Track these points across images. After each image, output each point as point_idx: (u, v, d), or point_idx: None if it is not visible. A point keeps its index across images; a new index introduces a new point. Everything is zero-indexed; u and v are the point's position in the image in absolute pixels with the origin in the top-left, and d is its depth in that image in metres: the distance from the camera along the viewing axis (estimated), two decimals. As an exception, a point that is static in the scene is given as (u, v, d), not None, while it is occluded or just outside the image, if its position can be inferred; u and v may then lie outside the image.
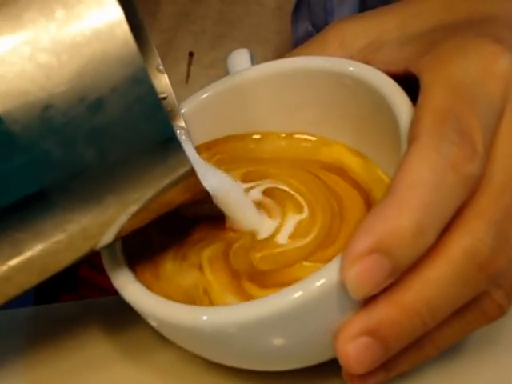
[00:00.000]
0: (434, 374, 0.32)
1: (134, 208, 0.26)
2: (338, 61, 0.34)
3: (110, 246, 0.30)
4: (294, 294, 0.26)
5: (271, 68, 0.36)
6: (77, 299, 0.54)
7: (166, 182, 0.26)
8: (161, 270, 0.32)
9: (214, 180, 0.31)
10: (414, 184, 0.26)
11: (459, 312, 0.28)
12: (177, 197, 0.28)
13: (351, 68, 0.33)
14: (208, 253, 0.32)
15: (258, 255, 0.31)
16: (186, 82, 0.49)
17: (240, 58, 0.38)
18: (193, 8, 0.48)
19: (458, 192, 0.26)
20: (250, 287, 0.30)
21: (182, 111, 0.36)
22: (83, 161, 0.24)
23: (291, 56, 0.36)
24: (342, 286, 0.26)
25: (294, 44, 0.48)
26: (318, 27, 0.47)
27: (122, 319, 0.37)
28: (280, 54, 0.47)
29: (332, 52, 0.34)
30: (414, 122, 0.28)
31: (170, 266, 0.32)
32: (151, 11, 0.50)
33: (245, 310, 0.27)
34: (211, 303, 0.30)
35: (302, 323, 0.27)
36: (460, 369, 0.32)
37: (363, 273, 0.25)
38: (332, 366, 0.30)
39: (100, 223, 0.26)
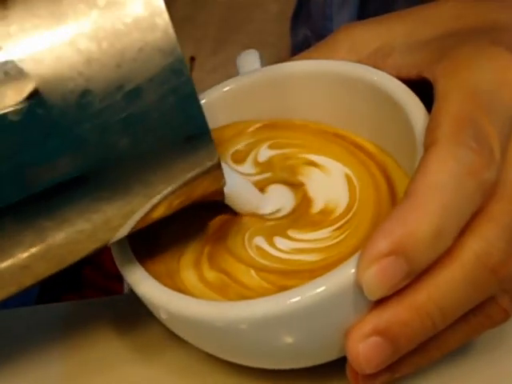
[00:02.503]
0: (435, 376, 0.32)
1: (156, 200, 0.26)
2: (350, 65, 0.34)
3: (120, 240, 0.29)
4: (309, 292, 0.26)
5: (286, 69, 0.36)
6: (79, 300, 0.53)
7: (193, 175, 0.26)
8: (171, 263, 0.32)
9: (231, 180, 0.31)
10: (433, 189, 0.26)
11: (465, 316, 0.28)
12: (196, 193, 0.28)
13: (364, 73, 0.34)
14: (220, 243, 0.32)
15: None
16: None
17: (249, 59, 0.38)
18: (195, 13, 0.48)
19: (475, 197, 0.27)
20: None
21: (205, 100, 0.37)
22: (116, 149, 0.24)
23: (300, 59, 0.36)
24: (358, 285, 0.26)
25: (293, 49, 0.48)
26: (317, 33, 0.47)
27: (133, 317, 0.37)
28: (283, 59, 0.47)
29: (341, 56, 0.35)
30: (432, 128, 0.28)
31: (182, 260, 0.32)
32: None
33: (257, 305, 0.27)
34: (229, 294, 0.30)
35: (313, 321, 0.27)
36: (461, 371, 0.33)
37: (380, 274, 0.25)
38: (331, 366, 0.30)
39: (123, 214, 0.26)
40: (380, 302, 0.27)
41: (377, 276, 0.25)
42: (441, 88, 0.29)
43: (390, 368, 0.28)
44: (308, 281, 0.27)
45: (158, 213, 0.27)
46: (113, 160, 0.24)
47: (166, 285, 0.29)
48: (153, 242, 0.33)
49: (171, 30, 0.24)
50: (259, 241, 0.32)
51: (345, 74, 0.34)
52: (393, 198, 0.32)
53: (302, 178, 0.35)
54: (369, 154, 0.35)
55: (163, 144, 0.25)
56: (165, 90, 0.24)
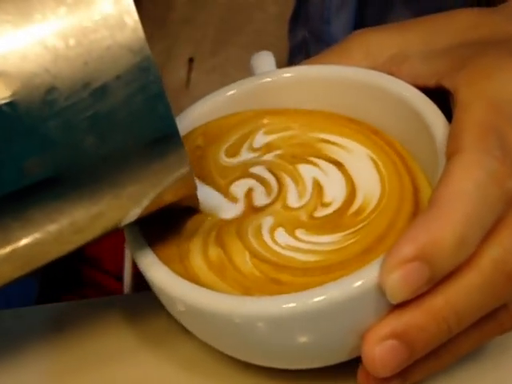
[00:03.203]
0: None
1: (125, 202, 0.26)
2: (369, 73, 0.35)
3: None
4: (331, 293, 0.27)
5: (306, 72, 0.36)
6: (79, 299, 0.53)
7: (162, 178, 0.26)
8: (183, 248, 0.31)
9: (207, 192, 0.31)
10: (458, 197, 0.27)
11: (478, 321, 0.28)
12: (167, 196, 0.27)
13: (383, 81, 0.34)
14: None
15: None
16: (187, 88, 0.49)
17: (265, 60, 0.38)
18: (195, 15, 0.48)
19: (498, 206, 0.27)
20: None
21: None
22: (82, 147, 0.24)
23: (313, 62, 0.37)
24: (379, 288, 0.27)
25: (291, 51, 0.48)
26: (315, 35, 0.47)
27: (133, 317, 0.37)
28: (282, 60, 0.47)
29: (356, 62, 0.35)
30: (454, 136, 0.28)
31: (191, 245, 0.31)
32: (152, 18, 0.50)
33: (279, 302, 0.27)
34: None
35: (331, 322, 0.28)
36: (470, 374, 0.33)
37: (403, 278, 0.26)
38: (335, 368, 0.30)
39: (91, 216, 0.26)
40: (398, 306, 0.27)
41: (400, 280, 0.26)
42: (462, 97, 0.29)
43: (402, 374, 0.29)
44: (301, 278, 0.28)
45: (127, 215, 0.27)
46: (79, 159, 0.24)
47: (176, 269, 0.29)
48: (164, 226, 0.32)
49: (140, 29, 0.23)
50: (266, 229, 0.31)
51: (364, 81, 0.35)
52: (415, 192, 0.32)
53: (331, 155, 0.34)
54: (387, 142, 0.35)
55: (131, 144, 0.24)
56: (132, 89, 0.24)
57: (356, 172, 0.33)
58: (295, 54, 0.48)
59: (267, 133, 0.36)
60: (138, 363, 0.35)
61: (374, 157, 0.34)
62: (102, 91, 0.23)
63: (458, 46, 0.33)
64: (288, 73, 0.37)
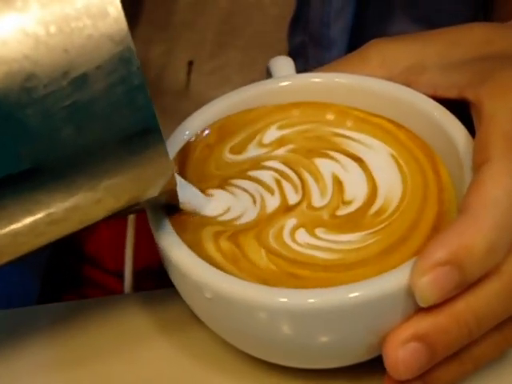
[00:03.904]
0: None
1: (102, 195, 0.26)
2: (388, 85, 0.35)
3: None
4: (359, 292, 0.27)
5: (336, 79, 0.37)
6: (79, 299, 0.53)
7: (141, 173, 0.25)
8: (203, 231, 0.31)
9: (188, 191, 0.31)
10: (489, 204, 0.28)
11: (498, 327, 0.29)
12: (146, 191, 0.27)
13: (405, 94, 0.35)
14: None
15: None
16: (186, 90, 0.49)
17: (284, 64, 0.38)
18: (195, 18, 0.48)
19: None
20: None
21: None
22: (59, 136, 0.23)
23: (328, 70, 0.37)
24: (408, 291, 0.27)
25: (290, 54, 0.48)
26: (314, 39, 0.47)
27: (133, 317, 0.37)
28: None
29: (372, 70, 0.36)
30: (482, 147, 0.30)
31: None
32: (153, 21, 0.50)
33: (311, 295, 0.27)
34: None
35: (356, 321, 0.28)
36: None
37: (434, 282, 0.27)
38: (338, 370, 0.31)
39: (67, 208, 0.25)
40: (420, 309, 0.28)
41: (430, 284, 0.27)
42: (488, 108, 0.30)
43: (424, 378, 0.29)
44: (322, 274, 0.29)
45: (105, 209, 0.26)
46: (56, 149, 0.24)
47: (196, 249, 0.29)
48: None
49: (123, 19, 0.23)
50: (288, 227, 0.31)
51: (384, 93, 0.35)
52: (439, 192, 0.32)
53: (350, 150, 0.34)
54: (410, 136, 0.35)
55: (110, 135, 0.24)
56: (113, 79, 0.23)
57: (377, 169, 0.33)
58: (294, 57, 0.47)
59: (280, 127, 0.36)
60: (138, 363, 0.35)
61: (395, 154, 0.34)
62: (81, 80, 0.23)
63: (474, 60, 0.34)
64: (317, 78, 0.37)
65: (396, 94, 0.35)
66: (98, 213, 0.26)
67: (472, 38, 0.35)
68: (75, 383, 0.35)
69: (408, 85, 0.35)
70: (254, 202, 0.32)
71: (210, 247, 0.30)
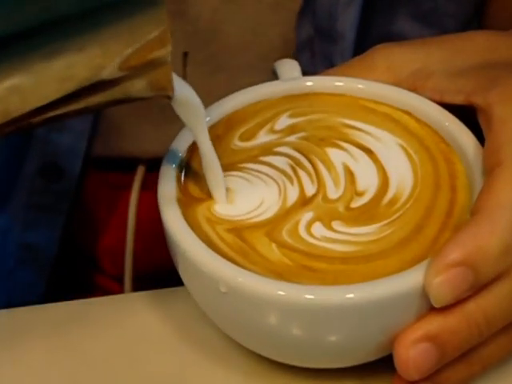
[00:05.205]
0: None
1: (97, 58, 0.25)
2: (396, 91, 0.36)
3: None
4: (373, 290, 0.27)
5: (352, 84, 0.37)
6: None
7: (137, 36, 0.24)
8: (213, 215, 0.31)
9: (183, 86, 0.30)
10: (503, 207, 0.28)
11: (505, 328, 0.30)
12: (140, 57, 0.26)
13: (411, 101, 0.35)
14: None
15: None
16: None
17: (289, 67, 0.39)
18: (186, 8, 0.47)
19: None
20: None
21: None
22: None
23: (334, 73, 0.37)
24: (422, 291, 0.28)
25: (297, 48, 0.48)
26: (321, 32, 0.47)
27: (133, 317, 0.37)
28: (276, 47, 0.47)
29: (378, 75, 0.37)
30: (493, 150, 0.30)
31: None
32: None
33: (334, 292, 0.27)
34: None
35: (368, 320, 0.28)
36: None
37: (448, 282, 0.27)
38: (342, 369, 0.32)
39: (61, 77, 0.24)
40: (431, 310, 0.28)
41: (445, 284, 0.27)
42: (498, 113, 0.31)
43: (433, 379, 0.29)
44: (340, 266, 0.28)
45: (100, 72, 0.25)
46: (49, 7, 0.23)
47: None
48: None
49: None
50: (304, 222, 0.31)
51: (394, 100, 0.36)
52: (451, 179, 0.32)
53: (360, 141, 0.34)
54: (421, 124, 0.35)
55: None
56: None
57: (386, 160, 0.33)
58: (300, 50, 0.47)
59: (292, 116, 0.36)
60: (138, 363, 0.35)
61: (404, 144, 0.34)
62: None
63: (479, 66, 0.35)
64: (339, 82, 0.37)
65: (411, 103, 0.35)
66: (92, 76, 0.25)
67: (476, 45, 0.36)
68: (75, 383, 0.35)
69: (414, 90, 0.36)
70: (280, 192, 0.32)
71: (218, 241, 0.30)
